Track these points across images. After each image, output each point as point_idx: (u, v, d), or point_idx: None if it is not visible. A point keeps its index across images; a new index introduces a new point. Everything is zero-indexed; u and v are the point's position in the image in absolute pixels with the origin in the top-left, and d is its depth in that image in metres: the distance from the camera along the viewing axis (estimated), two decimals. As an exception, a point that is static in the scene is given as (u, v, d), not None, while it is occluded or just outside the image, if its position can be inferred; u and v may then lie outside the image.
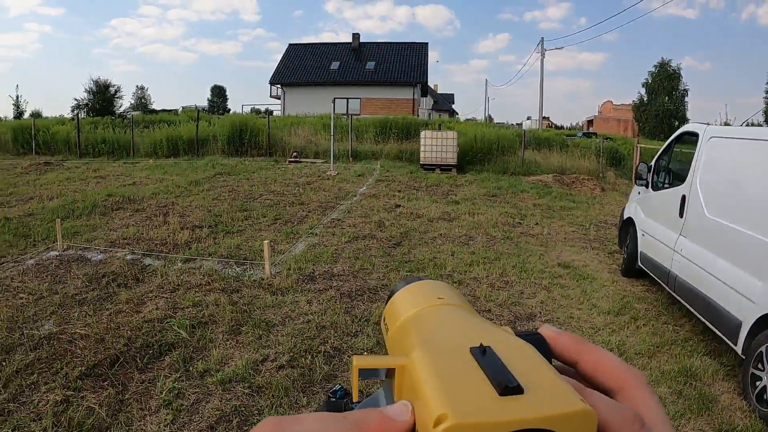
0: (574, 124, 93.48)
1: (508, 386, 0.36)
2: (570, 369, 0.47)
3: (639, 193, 7.71)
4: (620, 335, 5.62)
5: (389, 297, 0.58)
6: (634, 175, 8.48)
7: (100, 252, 7.87)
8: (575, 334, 0.50)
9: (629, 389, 0.43)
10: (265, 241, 7.06)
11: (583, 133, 45.82)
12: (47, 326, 5.26)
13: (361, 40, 46.52)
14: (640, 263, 7.22)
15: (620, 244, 8.35)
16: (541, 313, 6.11)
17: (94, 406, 3.94)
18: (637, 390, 0.43)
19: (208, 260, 7.50)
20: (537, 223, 10.84)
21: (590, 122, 72.84)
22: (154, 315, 5.56)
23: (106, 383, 4.29)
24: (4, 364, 4.51)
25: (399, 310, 0.54)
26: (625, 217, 8.04)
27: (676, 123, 48.20)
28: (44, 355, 4.68)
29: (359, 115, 34.01)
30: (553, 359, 0.47)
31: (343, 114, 31.30)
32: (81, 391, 4.15)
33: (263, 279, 6.80)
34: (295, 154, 21.51)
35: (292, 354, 4.87)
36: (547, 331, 0.48)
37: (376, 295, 6.43)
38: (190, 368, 4.58)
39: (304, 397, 4.22)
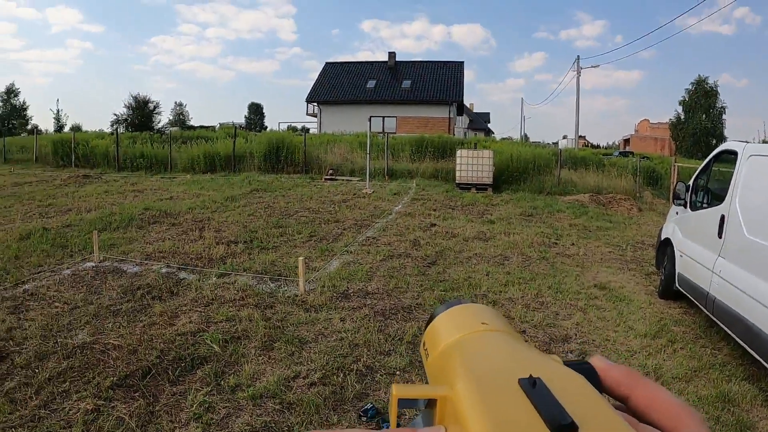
0: (610, 143, 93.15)
1: (561, 424, 0.33)
2: (620, 404, 0.44)
3: (677, 213, 7.53)
4: (657, 359, 5.46)
5: (429, 321, 0.55)
6: (671, 195, 8.32)
7: (136, 264, 7.93)
8: (628, 366, 0.45)
9: (685, 429, 0.40)
10: (300, 258, 7.04)
11: (620, 152, 45.52)
12: (81, 336, 5.29)
13: (397, 59, 46.85)
14: (677, 285, 7.00)
15: (657, 265, 8.15)
16: (576, 335, 5.97)
17: (124, 416, 3.93)
18: (693, 430, 0.39)
19: (242, 275, 7.51)
20: (573, 244, 10.67)
21: (627, 141, 72.21)
22: (188, 328, 5.55)
23: (137, 394, 4.28)
24: (37, 371, 4.55)
25: (440, 335, 0.51)
26: (662, 238, 7.84)
27: (714, 141, 47.75)
28: (77, 364, 4.69)
29: (395, 133, 34.13)
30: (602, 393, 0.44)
31: (379, 132, 31.48)
32: (112, 401, 4.14)
33: (297, 295, 6.76)
34: (331, 171, 21.63)
35: (324, 371, 4.80)
36: (598, 362, 0.45)
37: (411, 314, 6.35)
38: (222, 382, 4.55)
39: (335, 415, 4.15)
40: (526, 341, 0.49)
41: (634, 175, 20.30)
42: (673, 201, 7.68)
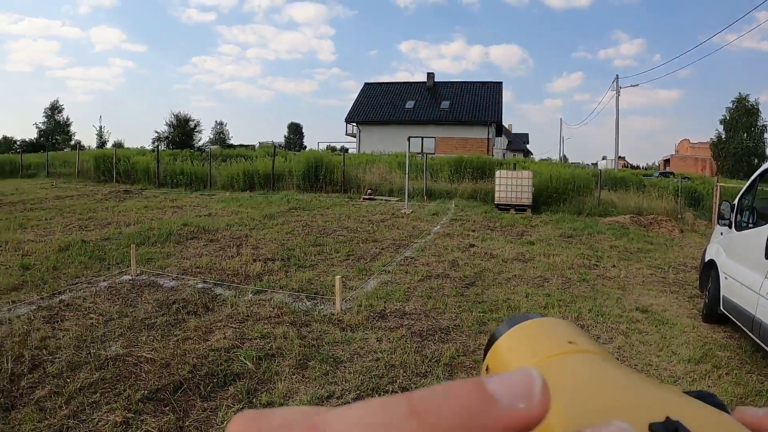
0: (650, 163, 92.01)
1: None
2: None
3: (722, 233, 7.27)
4: (701, 385, 5.21)
5: (491, 341, 0.41)
6: (715, 215, 8.09)
7: (173, 279, 7.93)
8: None
9: None
10: (337, 277, 6.95)
11: (660, 173, 44.97)
12: (114, 348, 5.26)
13: (435, 80, 46.92)
14: (722, 308, 6.71)
15: (701, 288, 7.85)
16: (618, 359, 5.69)
17: (153, 430, 3.86)
18: None
19: (278, 293, 7.44)
20: (614, 266, 10.42)
21: (667, 161, 71.20)
22: (222, 344, 5.48)
23: (167, 408, 4.21)
24: (68, 381, 4.52)
25: (511, 357, 0.38)
26: (706, 259, 7.56)
27: (756, 161, 46.92)
28: (108, 375, 4.65)
29: (434, 153, 34.06)
30: None
31: (417, 153, 31.42)
32: (141, 414, 4.08)
33: (333, 314, 6.66)
34: (369, 191, 21.62)
35: (358, 392, 4.69)
36: (746, 415, 0.34)
37: (448, 335, 6.20)
38: (254, 400, 4.46)
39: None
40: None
41: (676, 195, 20.00)
42: (718, 221, 7.44)
